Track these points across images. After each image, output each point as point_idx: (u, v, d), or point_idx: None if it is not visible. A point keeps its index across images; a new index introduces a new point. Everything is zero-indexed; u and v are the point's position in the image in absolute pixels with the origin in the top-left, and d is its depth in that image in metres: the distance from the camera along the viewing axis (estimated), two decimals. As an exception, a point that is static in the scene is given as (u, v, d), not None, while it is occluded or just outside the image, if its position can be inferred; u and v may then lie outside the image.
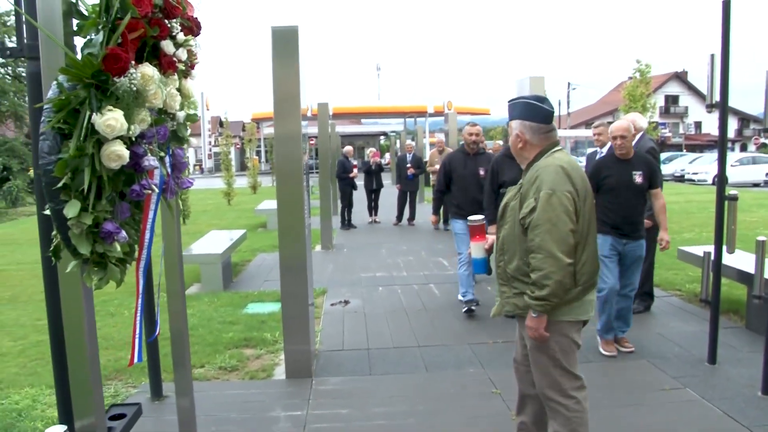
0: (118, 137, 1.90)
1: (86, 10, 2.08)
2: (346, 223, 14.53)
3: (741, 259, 5.98)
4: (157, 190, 2.27)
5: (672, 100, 62.65)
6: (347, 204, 14.57)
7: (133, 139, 2.01)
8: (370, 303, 7.48)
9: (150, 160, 2.07)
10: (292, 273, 5.04)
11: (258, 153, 44.06)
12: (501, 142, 14.51)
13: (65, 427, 2.66)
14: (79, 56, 1.96)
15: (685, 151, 48.63)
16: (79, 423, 2.40)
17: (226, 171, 23.34)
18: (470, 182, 6.80)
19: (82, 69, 1.86)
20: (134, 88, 1.96)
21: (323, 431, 4.15)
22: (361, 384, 4.96)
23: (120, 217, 2.04)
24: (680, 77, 62.65)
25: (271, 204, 14.89)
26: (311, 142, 22.26)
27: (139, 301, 2.30)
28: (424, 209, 16.24)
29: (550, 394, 3.08)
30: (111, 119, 1.85)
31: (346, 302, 7.53)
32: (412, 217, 14.91)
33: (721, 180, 4.89)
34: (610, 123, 6.75)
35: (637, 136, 6.00)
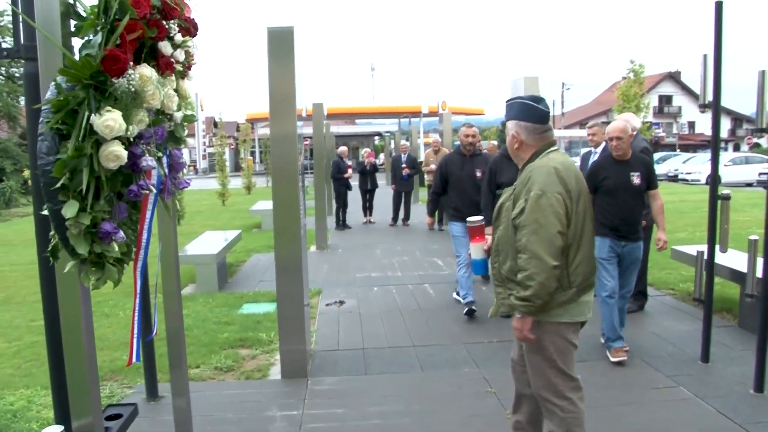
0: (116, 138, 1.91)
1: (84, 11, 2.09)
2: (341, 224, 14.54)
3: (734, 259, 6.02)
4: (154, 191, 2.28)
5: (665, 100, 62.87)
6: (342, 204, 14.57)
7: (131, 139, 2.02)
8: (365, 303, 7.50)
9: (148, 161, 2.08)
10: (287, 273, 5.05)
11: (252, 153, 44.12)
12: (495, 143, 14.52)
13: (62, 427, 2.66)
14: (76, 57, 1.97)
15: (678, 150, 48.76)
16: (76, 423, 2.40)
17: (220, 171, 23.33)
18: (467, 184, 6.77)
19: (81, 70, 1.87)
20: (132, 89, 1.97)
21: (319, 431, 4.16)
22: (357, 384, 4.97)
23: (118, 217, 2.05)
24: (674, 77, 62.86)
25: (265, 204, 14.89)
26: (306, 142, 22.26)
27: (137, 301, 2.31)
28: (419, 209, 16.26)
29: (545, 395, 3.08)
30: (110, 120, 1.86)
31: (341, 302, 7.54)
32: (407, 218, 14.92)
33: (714, 180, 4.92)
34: (604, 123, 6.77)
35: (631, 137, 6.01)
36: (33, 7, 2.16)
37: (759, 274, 4.58)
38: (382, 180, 19.56)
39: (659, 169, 28.49)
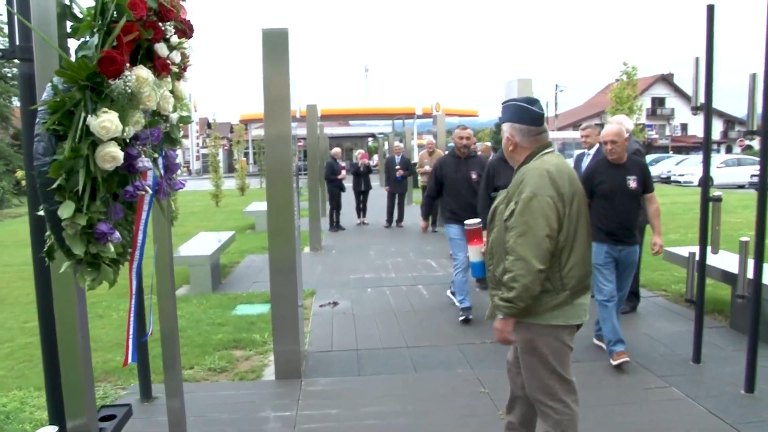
0: (112, 139, 1.92)
1: (80, 12, 2.10)
2: (335, 225, 14.55)
3: (725, 260, 6.05)
4: (150, 191, 2.29)
5: (658, 102, 63.07)
6: (336, 206, 14.58)
7: (128, 140, 2.03)
8: (358, 304, 7.51)
9: (144, 162, 2.09)
10: (281, 274, 5.06)
11: (246, 155, 44.05)
12: (489, 144, 14.55)
13: (56, 428, 2.67)
14: (72, 58, 1.98)
15: (671, 152, 48.91)
16: (70, 423, 2.41)
17: (214, 173, 23.28)
18: (463, 186, 6.70)
19: (78, 71, 1.87)
20: (129, 91, 1.98)
21: (313, 431, 4.17)
22: (351, 384, 4.98)
23: (114, 218, 2.06)
24: (667, 79, 63.09)
25: (259, 206, 14.88)
26: (300, 143, 22.26)
27: (133, 301, 2.32)
28: (413, 211, 16.28)
29: (540, 397, 3.07)
30: (106, 121, 1.87)
31: (335, 303, 7.55)
32: (400, 219, 14.92)
33: (705, 181, 4.95)
34: (597, 125, 6.81)
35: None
36: (29, 9, 2.17)
37: (750, 275, 4.61)
38: (375, 181, 19.57)
39: (652, 171, 28.54)
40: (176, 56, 2.41)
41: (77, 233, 1.92)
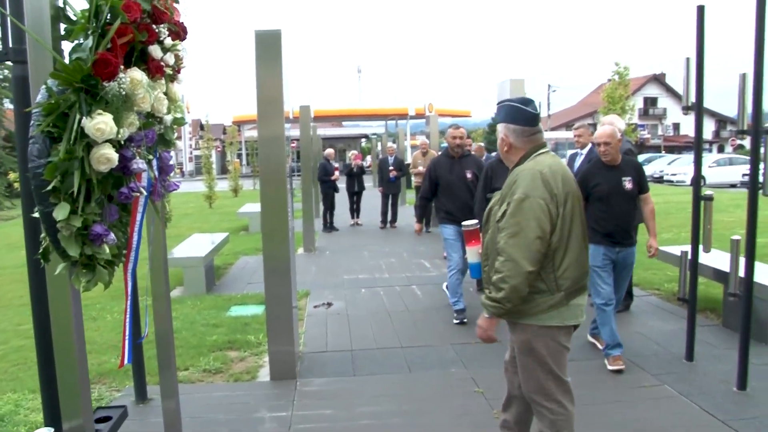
0: (107, 141, 1.92)
1: (74, 15, 2.10)
2: (329, 226, 14.55)
3: (717, 259, 6.08)
4: (145, 193, 2.30)
5: (651, 102, 63.31)
6: (329, 206, 14.58)
7: (122, 142, 2.04)
8: (353, 305, 7.52)
9: (138, 163, 2.10)
10: (275, 275, 5.07)
11: (239, 156, 43.95)
12: (483, 144, 14.57)
13: (52, 429, 2.67)
14: (66, 60, 1.98)
15: (663, 152, 49.10)
16: (66, 425, 2.41)
17: (207, 174, 23.25)
18: (458, 186, 6.64)
19: (72, 73, 1.88)
20: (123, 93, 1.99)
21: (308, 431, 4.18)
22: (346, 385, 4.99)
23: (108, 219, 2.07)
24: (659, 79, 63.32)
25: (253, 207, 14.88)
26: (293, 144, 22.24)
27: (128, 303, 2.32)
28: (407, 211, 16.31)
29: (535, 398, 3.08)
30: (101, 123, 1.87)
31: (329, 304, 7.55)
32: (394, 220, 14.93)
33: (697, 181, 4.98)
34: (590, 125, 6.83)
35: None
36: (22, 11, 2.17)
37: (741, 273, 4.64)
38: (369, 182, 19.59)
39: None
40: (170, 58, 2.42)
41: (72, 235, 1.93)
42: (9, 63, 2.85)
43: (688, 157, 33.20)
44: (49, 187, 1.86)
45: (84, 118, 1.88)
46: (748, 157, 4.73)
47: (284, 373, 5.11)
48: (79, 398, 2.39)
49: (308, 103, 13.75)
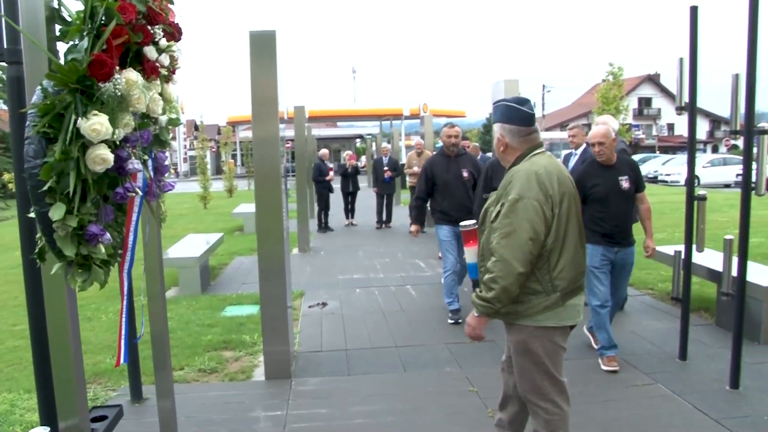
0: (102, 141, 1.93)
1: (69, 16, 2.11)
2: (323, 226, 14.55)
3: (710, 258, 6.12)
4: (140, 193, 2.31)
5: (645, 102, 63.47)
6: (324, 207, 14.58)
7: (118, 142, 2.05)
8: (347, 305, 7.53)
9: (134, 164, 2.11)
10: (270, 275, 5.08)
11: (234, 156, 43.96)
12: (477, 144, 14.59)
13: (48, 429, 2.68)
14: (62, 61, 1.99)
15: (658, 152, 49.20)
16: (62, 424, 2.42)
17: (201, 174, 23.21)
18: (455, 186, 6.58)
19: (68, 74, 1.89)
20: (119, 93, 2.00)
21: (303, 430, 4.19)
22: (340, 384, 5.00)
23: (104, 219, 2.08)
24: (653, 80, 63.45)
25: (247, 207, 14.86)
26: (287, 145, 22.25)
27: (124, 302, 2.33)
28: (401, 212, 16.32)
29: (530, 398, 3.08)
30: (96, 123, 1.88)
31: (324, 304, 7.56)
32: (388, 220, 14.93)
33: (690, 181, 5.01)
34: (585, 125, 6.86)
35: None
36: (17, 12, 2.18)
37: (734, 273, 4.67)
38: (363, 182, 19.60)
39: (638, 171, 28.66)
40: (165, 59, 2.43)
41: (68, 235, 1.94)
42: (4, 64, 2.85)
43: (683, 158, 33.32)
44: (45, 188, 1.88)
45: (80, 118, 1.89)
46: (741, 157, 4.76)
47: (279, 373, 5.12)
48: (75, 397, 2.40)
49: (303, 104, 13.76)
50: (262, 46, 4.85)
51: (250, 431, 4.20)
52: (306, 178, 13.24)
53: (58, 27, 2.15)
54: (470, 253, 4.32)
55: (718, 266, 5.54)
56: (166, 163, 2.70)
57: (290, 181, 15.25)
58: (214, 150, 46.76)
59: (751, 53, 4.20)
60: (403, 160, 18.71)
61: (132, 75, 2.09)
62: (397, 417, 4.34)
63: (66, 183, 1.89)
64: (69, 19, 2.12)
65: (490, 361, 5.30)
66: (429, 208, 7.01)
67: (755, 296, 5.45)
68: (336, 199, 15.49)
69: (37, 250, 2.07)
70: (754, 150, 4.37)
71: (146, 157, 2.41)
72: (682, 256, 5.18)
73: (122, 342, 2.33)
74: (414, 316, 6.91)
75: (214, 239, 9.71)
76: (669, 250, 6.41)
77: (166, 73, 2.52)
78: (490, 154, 10.78)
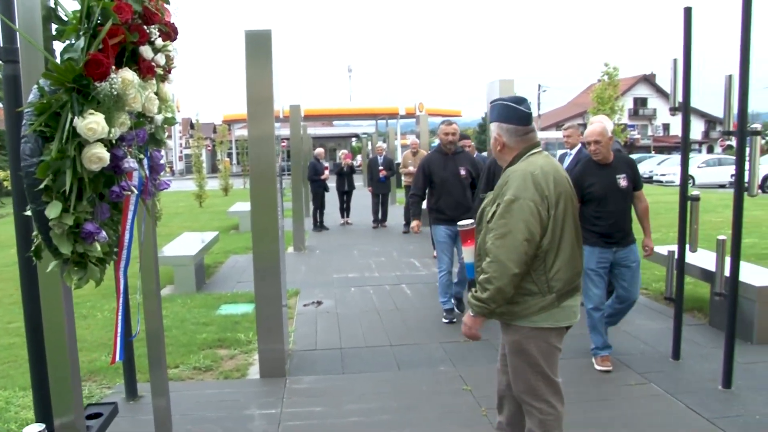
0: (99, 140, 1.95)
1: (66, 15, 2.12)
2: (318, 225, 14.55)
3: (704, 258, 6.15)
4: (136, 192, 2.33)
5: (640, 102, 63.58)
6: (319, 206, 14.58)
7: (114, 141, 2.06)
8: (342, 303, 7.54)
9: (129, 162, 2.12)
10: (265, 274, 5.08)
11: (229, 155, 43.88)
12: (474, 144, 14.60)
13: (43, 426, 2.69)
14: (58, 60, 2.01)
15: (653, 152, 49.30)
16: (58, 421, 2.43)
17: (197, 173, 23.19)
18: (452, 184, 6.51)
19: (64, 74, 1.91)
20: (115, 93, 2.01)
21: (298, 429, 4.20)
22: (335, 382, 5.02)
23: (100, 217, 2.09)
24: (648, 80, 63.59)
25: (243, 206, 14.87)
26: (283, 144, 22.21)
27: (120, 300, 2.35)
28: (397, 211, 16.33)
29: (525, 398, 3.09)
30: (92, 123, 1.90)
31: (319, 303, 7.58)
32: (384, 219, 14.94)
33: (684, 181, 5.03)
34: (580, 125, 6.86)
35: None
36: (13, 11, 2.19)
37: (727, 273, 4.69)
38: (359, 181, 19.60)
39: (634, 171, 28.69)
40: (161, 59, 2.44)
41: (64, 233, 1.95)
42: (0, 62, 2.86)
43: (678, 158, 33.17)
44: (42, 186, 1.89)
45: (76, 117, 1.90)
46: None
47: (274, 371, 5.13)
48: (70, 395, 2.41)
49: (299, 103, 13.78)
50: (258, 46, 4.86)
51: (245, 429, 4.21)
52: (301, 177, 13.25)
53: (54, 26, 2.16)
54: (468, 253, 4.34)
55: (712, 266, 5.56)
56: (162, 161, 2.71)
57: (286, 180, 15.29)
58: (209, 148, 46.71)
59: (743, 54, 4.23)
60: (399, 159, 18.73)
61: (128, 74, 2.11)
62: (392, 415, 4.35)
63: (62, 181, 1.91)
64: (65, 19, 2.13)
65: (483, 360, 5.32)
66: (425, 207, 6.96)
67: (748, 296, 5.48)
68: (331, 198, 15.50)
69: (33, 248, 2.09)
70: (747, 150, 4.39)
71: (142, 155, 2.42)
72: (676, 256, 5.20)
73: (118, 340, 2.34)
74: (409, 315, 6.92)
75: (209, 238, 9.72)
76: (663, 250, 6.44)
77: (162, 72, 2.54)
78: (485, 154, 10.77)
